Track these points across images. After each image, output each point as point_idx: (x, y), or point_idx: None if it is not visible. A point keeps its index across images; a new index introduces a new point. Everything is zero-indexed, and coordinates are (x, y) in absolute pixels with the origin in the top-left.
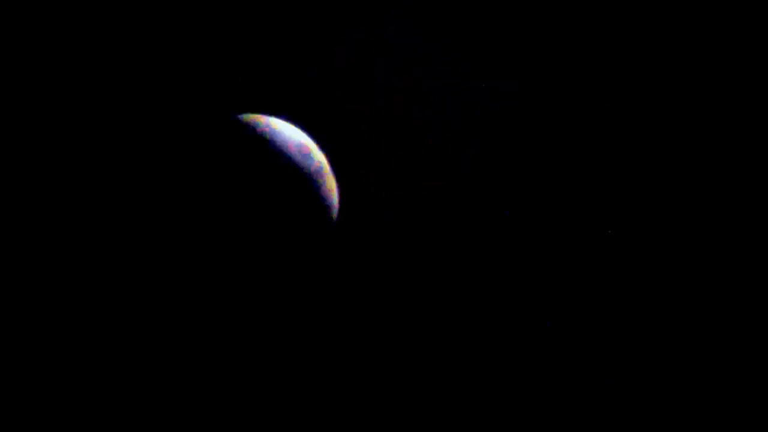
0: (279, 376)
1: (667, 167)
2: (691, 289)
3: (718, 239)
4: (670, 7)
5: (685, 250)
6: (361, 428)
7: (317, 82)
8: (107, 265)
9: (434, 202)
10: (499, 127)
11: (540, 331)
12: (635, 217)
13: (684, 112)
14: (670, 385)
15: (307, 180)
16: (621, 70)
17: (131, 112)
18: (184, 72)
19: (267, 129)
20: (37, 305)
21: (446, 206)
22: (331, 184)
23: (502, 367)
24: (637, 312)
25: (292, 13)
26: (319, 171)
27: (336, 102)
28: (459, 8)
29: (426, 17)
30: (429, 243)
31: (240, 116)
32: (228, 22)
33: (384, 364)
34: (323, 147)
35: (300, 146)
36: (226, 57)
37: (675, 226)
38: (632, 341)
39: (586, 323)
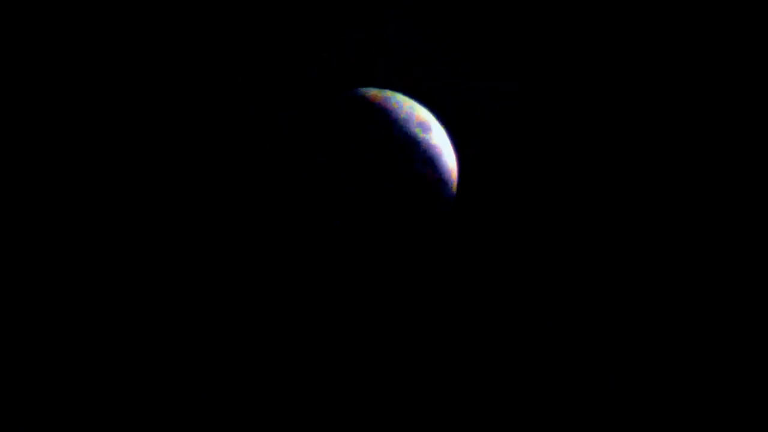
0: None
1: (667, 167)
2: (691, 289)
3: (718, 239)
4: (670, 7)
5: (685, 250)
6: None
7: (317, 82)
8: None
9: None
10: (499, 127)
11: (539, 331)
12: (635, 217)
13: (684, 112)
14: (670, 385)
15: (427, 154)
16: (621, 70)
17: (132, 112)
18: (184, 72)
19: (388, 103)
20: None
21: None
22: (450, 159)
23: (502, 367)
24: (637, 312)
25: (292, 13)
26: (439, 146)
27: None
28: (459, 8)
29: (426, 17)
30: (428, 243)
31: (361, 90)
32: (228, 22)
33: (380, 364)
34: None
35: (421, 121)
36: (226, 57)
37: (675, 226)
38: (632, 341)
39: (586, 323)
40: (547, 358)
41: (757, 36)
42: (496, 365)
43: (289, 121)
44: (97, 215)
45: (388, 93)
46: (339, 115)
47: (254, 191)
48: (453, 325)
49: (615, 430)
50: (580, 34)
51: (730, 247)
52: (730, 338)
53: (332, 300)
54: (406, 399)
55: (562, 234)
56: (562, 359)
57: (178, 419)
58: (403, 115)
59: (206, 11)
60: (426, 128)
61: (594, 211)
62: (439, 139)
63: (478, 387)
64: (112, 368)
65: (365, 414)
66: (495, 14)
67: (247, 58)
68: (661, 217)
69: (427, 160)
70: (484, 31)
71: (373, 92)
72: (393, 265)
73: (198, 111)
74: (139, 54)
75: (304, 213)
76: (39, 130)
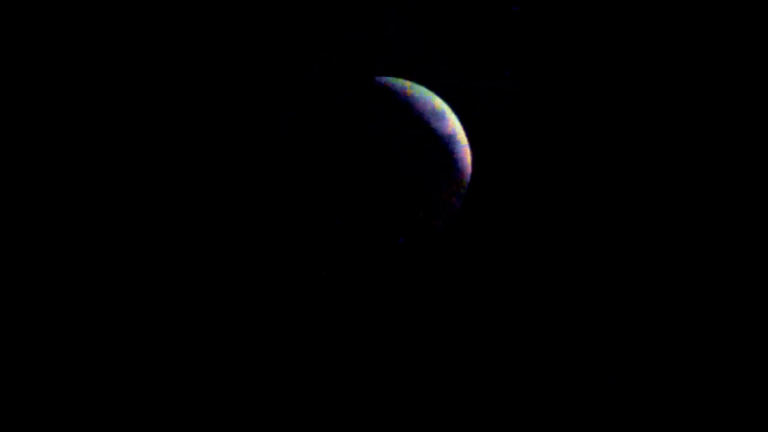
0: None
1: (667, 167)
2: (691, 289)
3: (718, 239)
4: (670, 7)
5: (685, 250)
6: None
7: (317, 82)
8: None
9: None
10: (499, 127)
11: (540, 331)
12: (635, 217)
13: (684, 112)
14: (670, 385)
15: (440, 143)
16: (621, 70)
17: (133, 113)
18: (184, 72)
19: (404, 91)
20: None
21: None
22: (464, 149)
23: (502, 367)
24: (637, 312)
25: (292, 13)
26: (453, 135)
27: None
28: (459, 8)
29: (426, 17)
30: (428, 242)
31: (378, 78)
32: (228, 22)
33: (379, 364)
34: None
35: (435, 110)
36: (226, 57)
37: (675, 226)
38: (632, 341)
39: (586, 323)
40: (546, 356)
41: (757, 36)
42: (498, 364)
43: (289, 121)
44: (96, 215)
45: (406, 82)
46: (358, 100)
47: (254, 191)
48: (454, 326)
49: (615, 430)
50: (580, 34)
51: (730, 247)
52: (730, 338)
53: (332, 300)
54: (407, 400)
55: (563, 234)
56: (561, 358)
57: (178, 419)
58: (417, 105)
59: (206, 11)
60: (441, 117)
61: (594, 210)
62: (452, 128)
63: (479, 386)
64: (112, 368)
65: (365, 415)
66: (495, 14)
67: (247, 58)
68: (660, 218)
69: (440, 145)
70: (484, 31)
71: (391, 80)
72: (394, 266)
73: (198, 111)
74: (139, 54)
75: (305, 213)
76: (38, 130)
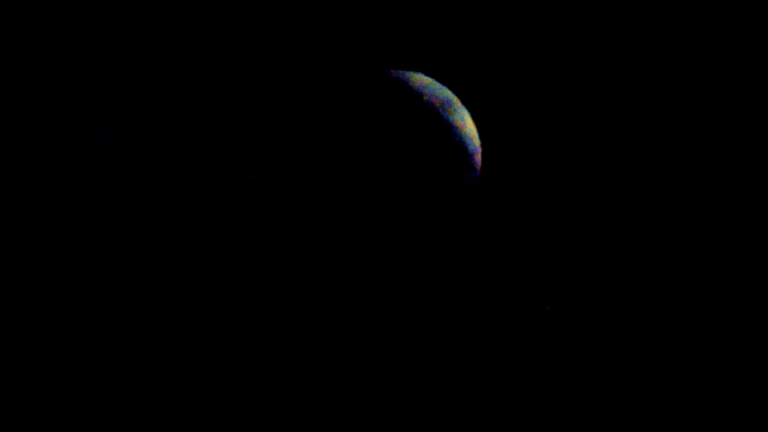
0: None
1: (667, 167)
2: (691, 289)
3: (718, 239)
4: (670, 7)
5: (685, 250)
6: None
7: (318, 81)
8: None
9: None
10: (499, 127)
11: (540, 331)
12: (635, 217)
13: (684, 112)
14: (670, 385)
15: (450, 133)
16: (621, 70)
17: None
18: (184, 72)
19: (413, 83)
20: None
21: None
22: (474, 139)
23: (503, 366)
24: (637, 312)
25: (292, 12)
26: (462, 125)
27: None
28: (459, 7)
29: (427, 16)
30: (429, 242)
31: (388, 70)
32: (228, 22)
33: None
34: None
35: (446, 101)
36: (226, 56)
37: (675, 226)
38: (632, 341)
39: (586, 323)
40: (547, 356)
41: (757, 36)
42: (498, 363)
43: (288, 120)
44: (96, 214)
45: (415, 74)
46: (368, 91)
47: (254, 191)
48: (455, 325)
49: (615, 430)
50: (580, 34)
51: (729, 247)
52: (730, 338)
53: (332, 300)
54: (407, 399)
55: (563, 234)
56: (562, 358)
57: (178, 419)
58: (427, 93)
59: (206, 11)
60: (450, 106)
61: (594, 210)
62: (462, 118)
63: (477, 386)
64: (112, 368)
65: (366, 415)
66: (494, 14)
67: (247, 58)
68: (660, 218)
69: (450, 140)
70: (484, 31)
71: (401, 72)
72: (394, 265)
73: (198, 111)
74: (139, 54)
75: (305, 213)
76: (39, 129)
